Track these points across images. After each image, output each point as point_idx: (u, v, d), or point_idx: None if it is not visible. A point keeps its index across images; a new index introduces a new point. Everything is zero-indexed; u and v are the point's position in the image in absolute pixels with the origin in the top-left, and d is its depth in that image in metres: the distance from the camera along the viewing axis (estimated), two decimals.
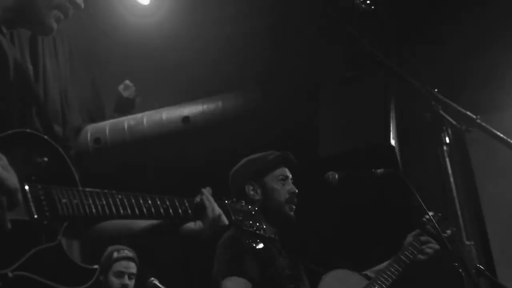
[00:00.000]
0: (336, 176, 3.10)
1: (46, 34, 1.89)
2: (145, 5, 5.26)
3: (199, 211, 1.91)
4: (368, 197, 4.83)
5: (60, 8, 1.84)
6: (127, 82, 5.77)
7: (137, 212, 1.72)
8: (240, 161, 3.22)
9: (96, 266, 1.61)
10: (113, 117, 5.75)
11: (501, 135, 1.83)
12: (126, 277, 4.04)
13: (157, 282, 4.01)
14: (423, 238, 3.23)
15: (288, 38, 5.42)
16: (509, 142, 1.81)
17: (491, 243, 5.31)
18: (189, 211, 1.88)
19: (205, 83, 5.62)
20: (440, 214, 3.31)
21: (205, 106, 5.45)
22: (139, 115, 5.60)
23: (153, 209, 1.77)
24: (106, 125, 5.57)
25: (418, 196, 2.96)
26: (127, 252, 4.10)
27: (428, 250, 3.21)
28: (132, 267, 4.10)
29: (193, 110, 5.46)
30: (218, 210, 1.94)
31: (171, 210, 1.83)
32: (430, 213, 3.19)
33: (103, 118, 5.84)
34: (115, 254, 4.07)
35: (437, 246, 3.20)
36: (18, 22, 1.86)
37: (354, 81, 4.67)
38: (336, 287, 2.93)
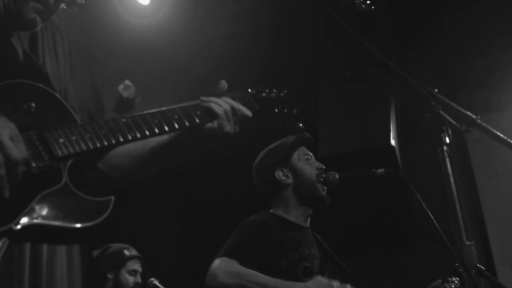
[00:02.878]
0: (337, 176, 3.11)
1: (30, 28, 1.85)
2: (145, 5, 5.26)
3: (209, 113, 1.77)
4: (368, 197, 4.83)
5: (37, 0, 1.81)
6: (127, 82, 5.78)
7: (146, 132, 1.60)
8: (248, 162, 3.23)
9: (110, 197, 1.52)
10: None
11: (501, 135, 1.83)
12: (139, 275, 4.06)
13: (157, 282, 4.01)
14: None
15: (288, 38, 5.42)
16: (509, 142, 1.81)
17: (491, 243, 5.31)
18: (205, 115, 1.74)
19: (205, 83, 5.61)
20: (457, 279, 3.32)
21: None
22: None
23: (164, 125, 1.64)
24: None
25: (418, 196, 2.97)
26: (137, 252, 4.12)
27: None
28: (140, 267, 4.12)
29: None
30: (227, 104, 1.82)
31: (185, 120, 1.70)
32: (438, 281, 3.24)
33: (103, 118, 5.83)
34: (127, 252, 4.07)
35: None
36: (12, 24, 1.84)
37: (354, 81, 4.67)
38: None
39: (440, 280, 3.34)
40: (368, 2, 4.06)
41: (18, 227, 1.33)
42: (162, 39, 5.45)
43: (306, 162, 3.09)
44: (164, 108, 1.67)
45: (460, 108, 1.88)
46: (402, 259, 5.29)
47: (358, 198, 4.77)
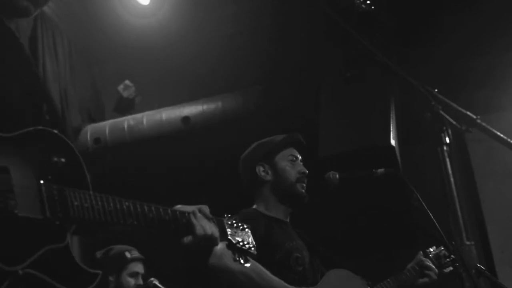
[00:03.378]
0: (337, 176, 3.11)
1: (25, 14, 1.87)
2: (145, 5, 5.26)
3: (190, 227, 1.91)
4: (368, 197, 4.83)
5: None
6: (127, 82, 5.78)
7: (142, 222, 1.75)
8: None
9: (98, 271, 1.61)
10: (113, 117, 5.75)
11: (501, 135, 1.82)
12: (140, 277, 4.05)
13: (157, 282, 4.00)
14: (425, 263, 3.26)
15: (288, 38, 5.42)
16: (509, 142, 1.81)
17: (491, 243, 5.31)
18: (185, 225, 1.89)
19: (205, 83, 5.62)
20: (442, 248, 3.34)
21: (205, 106, 5.44)
22: (139, 115, 5.59)
23: (156, 221, 1.80)
24: (106, 125, 5.57)
25: (418, 196, 2.97)
26: (139, 254, 4.10)
27: (430, 274, 3.24)
28: (142, 269, 4.11)
29: (193, 110, 5.46)
30: (210, 230, 1.93)
31: (172, 223, 1.85)
32: (433, 248, 3.27)
33: (103, 118, 5.84)
34: (128, 255, 4.05)
35: (435, 276, 3.24)
36: (6, 11, 1.84)
37: (354, 81, 4.66)
38: (337, 285, 2.95)
39: (421, 252, 3.36)
40: (368, 2, 4.06)
41: (21, 272, 1.39)
42: (162, 39, 5.45)
43: (289, 163, 3.08)
44: (159, 206, 1.83)
45: (460, 108, 1.88)
46: (402, 260, 5.28)
47: (358, 198, 4.76)
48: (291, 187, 3.03)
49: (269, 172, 3.06)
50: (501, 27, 5.15)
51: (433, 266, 3.25)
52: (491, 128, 1.83)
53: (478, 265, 3.14)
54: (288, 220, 3.09)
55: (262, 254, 2.75)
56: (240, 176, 3.17)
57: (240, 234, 2.10)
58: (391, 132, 4.53)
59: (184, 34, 5.45)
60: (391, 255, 5.22)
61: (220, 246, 2.63)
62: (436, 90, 1.95)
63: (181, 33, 5.42)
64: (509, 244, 5.22)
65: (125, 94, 5.78)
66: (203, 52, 5.51)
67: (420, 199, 2.94)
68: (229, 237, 2.05)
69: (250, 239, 2.11)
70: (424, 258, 3.29)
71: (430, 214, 3.06)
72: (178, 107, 5.53)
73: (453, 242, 3.14)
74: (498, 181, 5.44)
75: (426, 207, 2.97)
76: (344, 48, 4.66)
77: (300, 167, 3.09)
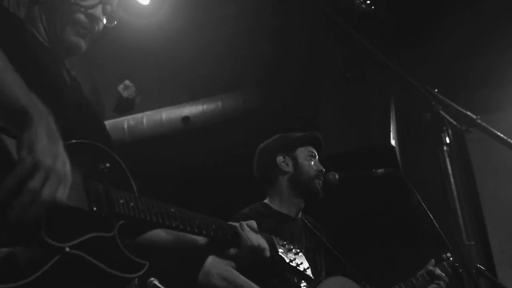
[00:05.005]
0: (337, 176, 3.12)
1: (76, 52, 1.93)
2: (145, 5, 5.26)
3: (238, 239, 1.97)
4: (368, 197, 4.83)
5: (74, 24, 1.87)
6: (127, 82, 5.77)
7: (187, 226, 1.82)
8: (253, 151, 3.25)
9: (145, 262, 1.66)
10: (113, 117, 5.75)
11: (501, 135, 1.82)
12: None
13: (157, 282, 4.00)
14: (436, 272, 3.24)
15: (288, 38, 5.42)
16: (509, 142, 1.81)
17: (491, 243, 5.31)
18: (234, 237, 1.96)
19: (205, 83, 5.62)
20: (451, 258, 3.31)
21: (205, 106, 5.44)
22: (139, 115, 5.59)
23: (203, 228, 1.86)
24: (106, 125, 5.57)
25: (418, 196, 2.97)
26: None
27: (440, 283, 3.22)
28: None
29: (193, 110, 5.46)
30: (256, 242, 1.97)
31: (219, 232, 1.92)
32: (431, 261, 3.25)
33: (103, 118, 5.83)
34: None
35: (444, 286, 3.22)
36: (61, 52, 1.91)
37: (354, 81, 4.66)
38: None
39: (433, 260, 3.33)
40: (368, 2, 4.06)
41: (67, 250, 1.44)
42: (162, 39, 5.45)
43: (309, 159, 3.11)
44: (206, 216, 1.91)
45: (460, 108, 1.88)
46: (402, 259, 5.29)
47: (358, 198, 4.76)
48: (310, 182, 3.05)
49: (289, 163, 3.09)
50: (501, 27, 5.15)
51: (444, 275, 3.22)
52: (491, 128, 1.83)
53: (478, 265, 3.14)
54: (299, 217, 3.09)
55: None
56: (255, 167, 3.17)
57: (293, 255, 2.14)
58: (391, 132, 4.53)
59: (184, 34, 5.45)
60: (391, 255, 5.22)
61: (210, 261, 2.66)
62: (436, 90, 1.95)
63: (181, 33, 5.41)
64: (509, 244, 5.22)
65: (125, 94, 5.77)
66: (203, 52, 5.50)
67: (420, 200, 2.94)
68: (281, 255, 2.09)
69: (305, 262, 2.14)
70: (433, 268, 3.26)
71: (430, 214, 3.06)
72: (178, 107, 5.53)
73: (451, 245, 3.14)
74: (498, 181, 5.44)
75: (426, 207, 2.97)
76: (344, 48, 4.66)
77: (318, 164, 3.13)
